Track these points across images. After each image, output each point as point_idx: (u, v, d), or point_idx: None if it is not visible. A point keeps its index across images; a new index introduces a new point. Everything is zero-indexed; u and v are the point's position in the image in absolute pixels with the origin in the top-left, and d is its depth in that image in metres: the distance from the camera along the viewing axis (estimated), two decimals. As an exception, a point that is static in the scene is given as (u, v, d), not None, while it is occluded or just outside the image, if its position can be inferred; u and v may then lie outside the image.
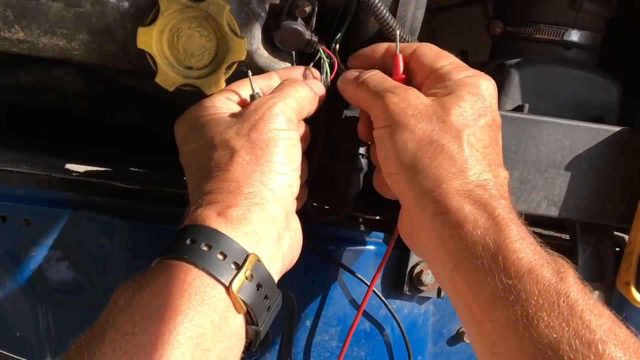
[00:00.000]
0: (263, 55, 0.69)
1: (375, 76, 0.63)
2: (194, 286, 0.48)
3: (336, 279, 0.75)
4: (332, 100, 0.74)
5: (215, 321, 0.48)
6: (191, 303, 0.48)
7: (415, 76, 0.63)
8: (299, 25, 0.67)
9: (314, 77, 0.68)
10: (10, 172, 0.71)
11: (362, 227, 0.79)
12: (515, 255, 0.50)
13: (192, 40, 0.63)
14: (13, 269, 0.72)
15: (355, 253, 0.75)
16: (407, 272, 0.74)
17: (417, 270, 0.74)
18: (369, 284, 0.74)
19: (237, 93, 0.63)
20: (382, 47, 0.67)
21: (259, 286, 0.52)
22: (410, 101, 0.57)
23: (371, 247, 0.76)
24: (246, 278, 0.51)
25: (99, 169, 0.79)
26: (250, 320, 0.52)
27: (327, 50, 0.69)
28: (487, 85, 0.59)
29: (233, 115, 0.59)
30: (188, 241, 0.51)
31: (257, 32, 0.67)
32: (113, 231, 0.71)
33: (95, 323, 0.47)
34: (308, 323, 0.76)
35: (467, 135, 0.56)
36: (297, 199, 0.61)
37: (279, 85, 0.63)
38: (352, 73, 0.65)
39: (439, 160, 0.55)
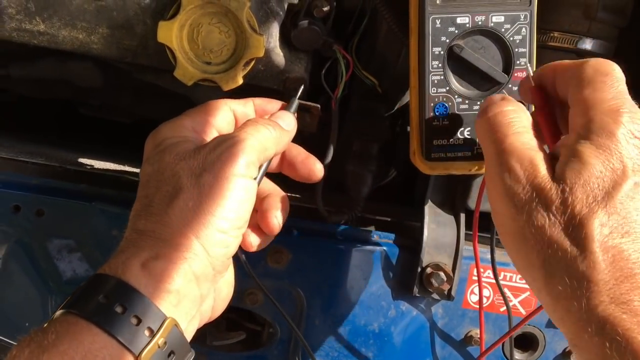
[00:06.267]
0: (279, 54, 0.69)
1: (497, 118, 0.51)
2: (99, 357, 0.45)
3: (346, 279, 0.75)
4: (344, 101, 0.75)
5: None
6: None
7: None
8: (317, 25, 0.67)
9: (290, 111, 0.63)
10: (25, 163, 0.72)
11: (373, 228, 0.79)
12: None
13: (211, 36, 0.64)
14: (24, 260, 0.72)
15: (365, 253, 0.75)
16: (418, 274, 0.74)
17: (427, 272, 0.74)
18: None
19: (234, 110, 0.60)
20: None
21: (171, 353, 0.49)
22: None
23: (382, 248, 0.76)
24: (159, 346, 0.48)
25: (112, 165, 0.80)
26: None
27: (343, 51, 0.69)
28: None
29: (197, 146, 0.55)
30: (101, 297, 0.47)
31: (275, 30, 0.68)
32: (125, 223, 0.72)
33: None
34: (317, 322, 0.76)
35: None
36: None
37: (242, 125, 0.58)
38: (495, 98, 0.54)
39: None
